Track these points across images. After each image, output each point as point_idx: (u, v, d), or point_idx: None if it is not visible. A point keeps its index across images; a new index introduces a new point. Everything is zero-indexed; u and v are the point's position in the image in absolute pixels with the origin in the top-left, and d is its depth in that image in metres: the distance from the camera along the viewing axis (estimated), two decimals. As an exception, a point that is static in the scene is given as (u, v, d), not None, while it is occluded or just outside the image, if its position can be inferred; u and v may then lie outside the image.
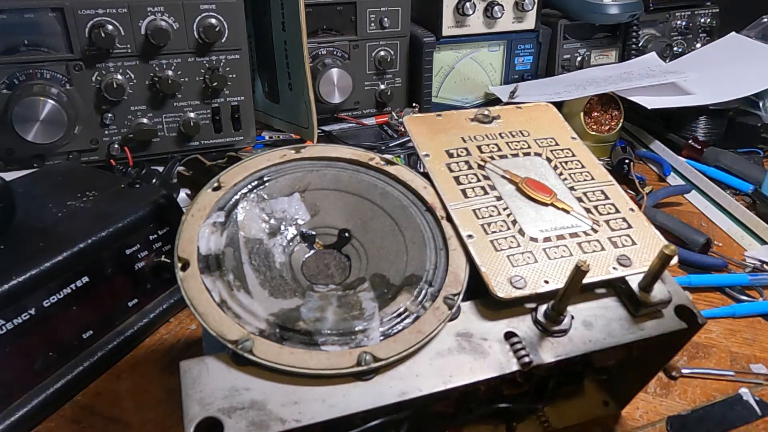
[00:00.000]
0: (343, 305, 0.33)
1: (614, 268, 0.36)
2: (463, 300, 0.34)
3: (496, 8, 0.89)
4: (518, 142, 0.44)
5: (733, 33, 0.98)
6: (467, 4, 0.88)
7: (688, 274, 0.58)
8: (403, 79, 0.92)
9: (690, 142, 0.84)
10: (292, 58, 0.77)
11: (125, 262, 0.48)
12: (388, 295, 0.34)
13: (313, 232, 0.38)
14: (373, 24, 0.86)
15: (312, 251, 0.37)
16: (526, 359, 0.32)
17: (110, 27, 0.66)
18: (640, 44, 0.99)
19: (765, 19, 0.99)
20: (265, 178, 0.38)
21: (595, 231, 0.38)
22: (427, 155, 0.42)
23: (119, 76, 0.68)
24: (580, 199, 0.40)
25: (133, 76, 0.69)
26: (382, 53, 0.88)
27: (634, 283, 0.35)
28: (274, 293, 0.33)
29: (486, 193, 0.39)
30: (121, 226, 0.46)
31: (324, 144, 0.42)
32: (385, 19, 0.86)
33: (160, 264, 0.51)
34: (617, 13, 0.92)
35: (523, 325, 0.34)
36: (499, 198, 0.39)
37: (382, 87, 0.91)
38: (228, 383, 0.29)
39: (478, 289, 0.34)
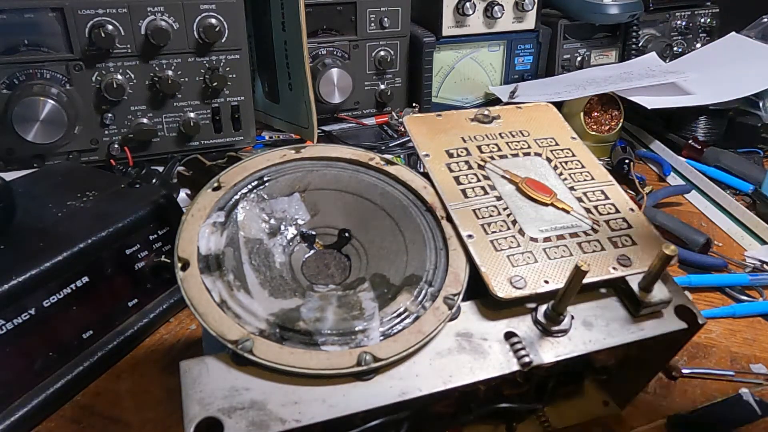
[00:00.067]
0: (343, 305, 0.33)
1: (614, 268, 0.36)
2: (463, 300, 0.34)
3: (496, 8, 0.89)
4: (518, 142, 0.44)
5: (733, 33, 0.98)
6: (467, 4, 0.88)
7: (688, 274, 0.58)
8: (403, 79, 0.92)
9: (690, 142, 0.84)
10: (292, 58, 0.78)
11: (125, 262, 0.48)
12: (388, 295, 0.34)
13: (313, 232, 0.38)
14: (373, 24, 0.86)
15: (312, 251, 0.37)
16: (526, 359, 0.32)
17: (110, 27, 0.66)
18: (640, 44, 0.99)
19: (765, 19, 0.99)
20: (265, 178, 0.38)
21: (595, 231, 0.38)
22: (427, 155, 0.42)
23: (119, 76, 0.68)
24: (580, 199, 0.40)
25: (133, 76, 0.69)
26: (382, 53, 0.88)
27: (634, 283, 0.35)
28: (274, 293, 0.33)
29: (486, 193, 0.39)
30: (121, 226, 0.46)
31: (324, 144, 0.42)
32: (385, 19, 0.86)
33: (160, 264, 0.51)
34: (617, 13, 0.92)
35: (523, 325, 0.34)
36: (499, 198, 0.39)
37: (382, 87, 0.91)
38: (228, 383, 0.29)
39: (478, 289, 0.34)
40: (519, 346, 0.33)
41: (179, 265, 0.32)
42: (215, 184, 0.36)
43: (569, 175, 0.42)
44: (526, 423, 0.42)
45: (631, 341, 0.34)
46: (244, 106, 0.76)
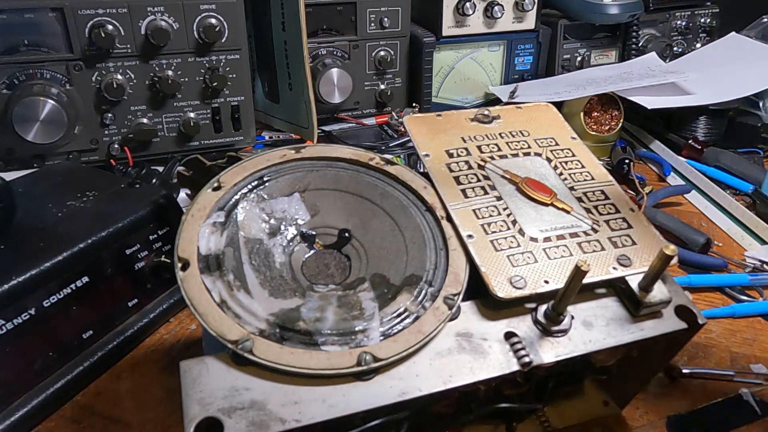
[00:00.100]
0: (343, 305, 0.33)
1: (614, 268, 0.36)
2: (463, 300, 0.34)
3: (496, 8, 0.89)
4: (518, 142, 0.44)
5: (733, 33, 0.98)
6: (467, 4, 0.88)
7: (688, 274, 0.58)
8: (403, 79, 0.92)
9: (690, 142, 0.84)
10: (292, 58, 0.78)
11: (125, 262, 0.48)
12: (388, 295, 0.34)
13: (313, 232, 0.38)
14: (373, 24, 0.86)
15: (312, 251, 0.37)
16: (526, 359, 0.32)
17: (110, 27, 0.66)
18: (640, 44, 0.99)
19: (765, 19, 0.99)
20: (265, 178, 0.38)
21: (595, 231, 0.38)
22: (427, 155, 0.42)
23: (119, 76, 0.68)
24: (580, 199, 0.40)
25: (133, 76, 0.69)
26: (382, 53, 0.88)
27: (634, 283, 0.35)
28: (274, 293, 0.33)
29: (486, 193, 0.39)
30: (121, 226, 0.46)
31: (324, 144, 0.42)
32: (385, 19, 0.86)
33: (160, 264, 0.51)
34: (617, 13, 0.92)
35: (523, 325, 0.34)
36: (499, 198, 0.39)
37: (382, 87, 0.91)
38: (228, 383, 0.29)
39: (478, 289, 0.34)
40: (519, 346, 0.33)
41: (179, 265, 0.32)
42: (215, 184, 0.36)
43: (569, 175, 0.42)
44: (526, 423, 0.42)
45: (631, 341, 0.34)
46: (244, 106, 0.76)
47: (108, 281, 0.46)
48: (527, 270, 0.35)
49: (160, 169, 0.73)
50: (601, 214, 0.40)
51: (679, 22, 1.02)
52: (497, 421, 0.42)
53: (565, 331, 0.34)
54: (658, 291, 0.35)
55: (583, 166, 0.43)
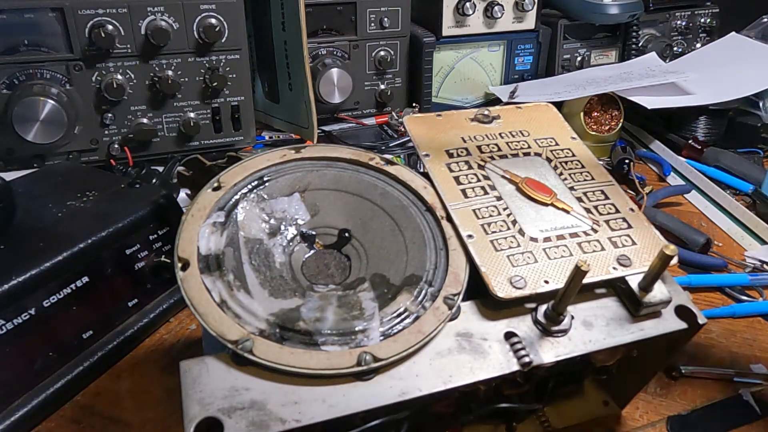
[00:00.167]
0: (343, 305, 0.33)
1: (614, 268, 0.36)
2: (463, 300, 0.34)
3: (496, 8, 0.89)
4: (518, 142, 0.44)
5: (733, 33, 0.98)
6: (467, 4, 0.88)
7: (688, 274, 0.58)
8: (403, 79, 0.92)
9: (690, 142, 0.84)
10: (292, 58, 0.78)
11: (125, 262, 0.48)
12: (388, 295, 0.34)
13: (313, 232, 0.38)
14: (373, 24, 0.86)
15: (312, 251, 0.37)
16: (526, 359, 0.32)
17: (110, 27, 0.66)
18: (640, 44, 0.99)
19: (765, 19, 0.99)
20: (265, 178, 0.38)
21: (595, 231, 0.38)
22: (427, 155, 0.42)
23: (119, 76, 0.68)
24: (580, 199, 0.40)
25: (133, 76, 0.69)
26: (382, 53, 0.88)
27: (634, 283, 0.35)
28: (274, 293, 0.33)
29: (486, 193, 0.39)
30: (121, 226, 0.46)
31: (324, 144, 0.42)
32: (385, 19, 0.86)
33: (160, 264, 0.51)
34: (617, 13, 0.92)
35: (523, 325, 0.34)
36: (499, 198, 0.39)
37: (382, 87, 0.91)
38: (228, 383, 0.29)
39: (478, 289, 0.34)
40: (519, 346, 0.33)
41: (179, 265, 0.32)
42: (215, 184, 0.36)
43: (569, 175, 0.42)
44: (526, 423, 0.42)
45: (631, 341, 0.34)
46: (244, 106, 0.76)
47: (108, 281, 0.46)
48: (527, 270, 0.35)
49: (160, 169, 0.73)
50: (601, 214, 0.40)
51: (679, 22, 1.02)
52: (497, 421, 0.42)
53: (565, 331, 0.34)
54: (658, 291, 0.35)
55: (583, 166, 0.43)
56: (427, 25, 0.92)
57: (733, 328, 0.53)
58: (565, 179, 0.42)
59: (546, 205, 0.39)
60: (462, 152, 0.42)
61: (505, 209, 0.39)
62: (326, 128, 0.88)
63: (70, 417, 0.43)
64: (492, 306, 0.34)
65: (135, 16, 0.67)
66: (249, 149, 0.79)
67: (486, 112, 0.46)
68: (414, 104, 0.93)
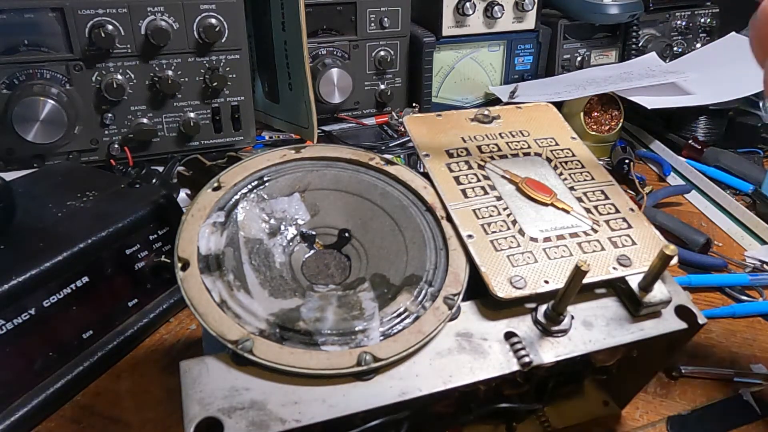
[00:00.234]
0: (343, 305, 0.33)
1: (614, 268, 0.36)
2: (463, 300, 0.34)
3: (496, 8, 0.89)
4: (518, 142, 0.44)
5: (733, 33, 0.98)
6: (467, 4, 0.88)
7: (688, 274, 0.58)
8: (403, 79, 0.92)
9: (690, 142, 0.84)
10: (292, 58, 0.78)
11: (125, 262, 0.48)
12: (388, 295, 0.34)
13: (313, 232, 0.38)
14: (373, 24, 0.86)
15: (312, 251, 0.37)
16: (526, 359, 0.32)
17: (110, 27, 0.66)
18: (640, 44, 0.99)
19: (765, 19, 0.98)
20: (265, 178, 0.38)
21: (595, 231, 0.38)
22: (427, 155, 0.42)
23: (119, 76, 0.68)
24: (580, 199, 0.40)
25: (133, 76, 0.69)
26: (382, 53, 0.88)
27: (634, 283, 0.35)
28: (274, 293, 0.33)
29: (486, 193, 0.39)
30: (121, 226, 0.46)
31: (324, 144, 0.42)
32: (385, 19, 0.86)
33: (160, 264, 0.51)
34: (617, 13, 0.92)
35: (523, 325, 0.34)
36: (499, 198, 0.39)
37: (382, 87, 0.91)
38: (228, 383, 0.29)
39: (478, 289, 0.34)
40: (519, 346, 0.33)
41: (179, 265, 0.32)
42: (215, 184, 0.36)
43: (569, 175, 0.42)
44: (526, 423, 0.42)
45: (631, 341, 0.34)
46: (244, 106, 0.76)
47: (108, 281, 0.46)
48: (527, 270, 0.35)
49: (160, 169, 0.73)
50: (601, 214, 0.40)
51: (679, 22, 1.02)
52: (497, 421, 0.42)
53: (565, 331, 0.34)
54: (658, 291, 0.35)
55: (583, 166, 0.43)
56: (427, 25, 0.92)
57: (733, 328, 0.53)
58: (565, 179, 0.42)
59: (546, 205, 0.39)
60: (462, 152, 0.42)
61: (505, 209, 0.39)
62: (326, 128, 0.88)
63: (70, 417, 0.43)
64: (492, 306, 0.34)
65: (135, 16, 0.67)
66: (249, 149, 0.79)
67: (486, 112, 0.46)
68: (414, 104, 0.93)
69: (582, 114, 0.82)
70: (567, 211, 0.39)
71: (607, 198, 0.41)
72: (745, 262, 0.61)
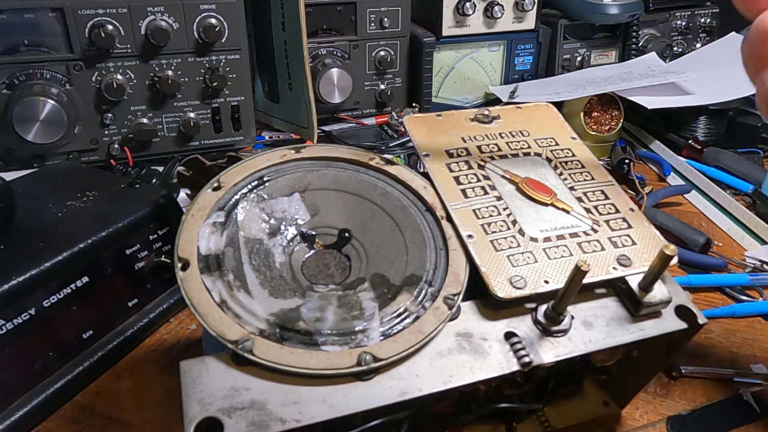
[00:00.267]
0: (343, 305, 0.33)
1: (614, 268, 0.36)
2: (463, 300, 0.34)
3: (496, 8, 0.89)
4: (518, 142, 0.44)
5: (733, 33, 0.97)
6: (467, 4, 0.88)
7: (688, 274, 0.58)
8: (403, 79, 0.92)
9: (690, 142, 0.84)
10: (292, 58, 0.78)
11: (125, 262, 0.48)
12: (388, 295, 0.34)
13: (313, 232, 0.38)
14: (373, 24, 0.86)
15: (312, 251, 0.37)
16: (526, 359, 0.32)
17: (110, 27, 0.66)
18: (640, 44, 0.99)
19: (765, 19, 0.98)
20: (265, 178, 0.38)
21: (595, 231, 0.38)
22: (427, 155, 0.42)
23: (119, 76, 0.68)
24: (580, 199, 0.40)
25: (133, 76, 0.69)
26: (382, 53, 0.88)
27: (634, 283, 0.35)
28: (274, 293, 0.33)
29: (486, 193, 0.39)
30: (121, 226, 0.46)
31: (324, 144, 0.42)
32: (385, 19, 0.86)
33: (160, 264, 0.51)
34: (617, 13, 0.92)
35: (523, 325, 0.34)
36: (499, 198, 0.39)
37: (382, 87, 0.91)
38: (228, 383, 0.29)
39: (478, 289, 0.34)
40: (519, 346, 0.33)
41: (179, 265, 0.32)
42: (215, 184, 0.36)
43: (569, 175, 0.42)
44: (526, 423, 0.42)
45: (631, 341, 0.34)
46: (244, 106, 0.76)
47: (108, 281, 0.46)
48: (527, 270, 0.35)
49: (160, 169, 0.73)
50: (601, 214, 0.40)
51: (679, 22, 1.02)
52: (497, 421, 0.42)
53: (565, 331, 0.34)
54: (658, 291, 0.35)
55: (583, 166, 0.43)
56: (427, 25, 0.92)
57: (733, 328, 0.53)
58: (565, 179, 0.42)
59: (546, 205, 0.39)
60: (462, 152, 0.42)
61: (505, 209, 0.39)
62: (326, 128, 0.88)
63: (70, 417, 0.43)
64: (492, 306, 0.34)
65: (135, 16, 0.67)
66: (249, 149, 0.79)
67: (486, 112, 0.46)
68: (414, 104, 0.93)
69: (582, 114, 0.82)
70: (567, 211, 0.39)
71: (607, 198, 0.41)
72: (745, 262, 0.61)
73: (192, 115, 0.73)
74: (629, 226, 0.39)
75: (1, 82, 0.64)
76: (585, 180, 0.42)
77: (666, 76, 0.85)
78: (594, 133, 0.82)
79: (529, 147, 0.44)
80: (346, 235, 0.38)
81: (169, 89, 0.70)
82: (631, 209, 0.40)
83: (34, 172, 0.57)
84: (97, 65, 0.67)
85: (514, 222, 0.38)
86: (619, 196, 0.41)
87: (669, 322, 0.35)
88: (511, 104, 0.49)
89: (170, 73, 0.70)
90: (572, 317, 0.34)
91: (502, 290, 0.34)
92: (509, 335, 0.33)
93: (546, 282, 0.35)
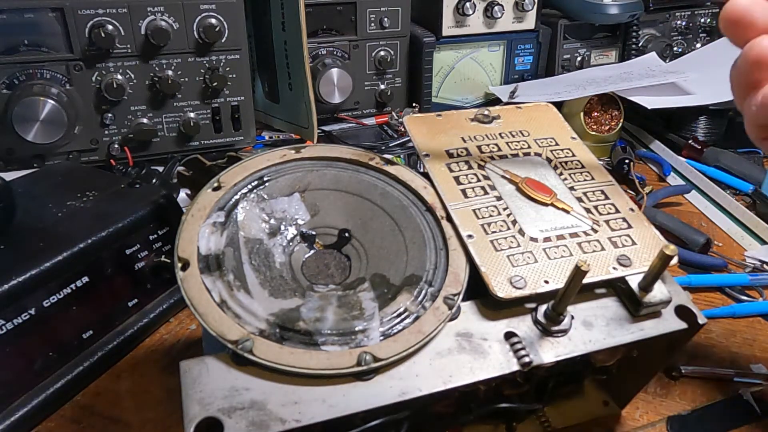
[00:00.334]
0: (343, 305, 0.33)
1: (614, 268, 0.36)
2: (463, 300, 0.34)
3: (496, 8, 0.89)
4: (518, 142, 0.44)
5: (733, 33, 0.97)
6: (467, 4, 0.88)
7: (688, 274, 0.58)
8: (403, 79, 0.92)
9: (690, 142, 0.84)
10: (292, 58, 0.78)
11: (125, 262, 0.48)
12: (388, 295, 0.34)
13: (313, 232, 0.38)
14: (373, 24, 0.86)
15: (312, 251, 0.37)
16: (526, 359, 0.32)
17: (110, 27, 0.66)
18: (640, 44, 0.99)
19: (765, 19, 0.98)
20: (265, 178, 0.38)
21: (595, 231, 0.38)
22: (427, 155, 0.42)
23: (119, 76, 0.68)
24: (580, 199, 0.40)
25: (133, 76, 0.69)
26: (382, 53, 0.88)
27: (634, 283, 0.35)
28: (274, 293, 0.33)
29: (486, 193, 0.39)
30: (121, 226, 0.46)
31: (324, 144, 0.42)
32: (385, 19, 0.86)
33: (160, 264, 0.51)
34: (617, 13, 0.92)
35: (523, 325, 0.34)
36: (499, 198, 0.39)
37: (382, 87, 0.91)
38: (228, 383, 0.29)
39: (478, 289, 0.34)
40: (519, 346, 0.33)
41: (179, 265, 0.32)
42: (215, 184, 0.37)
43: (569, 175, 0.42)
44: (526, 423, 0.42)
45: (631, 341, 0.34)
46: (244, 106, 0.76)
47: (108, 281, 0.46)
48: (527, 270, 0.35)
49: (160, 169, 0.73)
50: (601, 214, 0.40)
51: (679, 22, 1.02)
52: (497, 421, 0.42)
53: (565, 331, 0.34)
54: (658, 291, 0.35)
55: (583, 166, 0.43)
56: (427, 25, 0.92)
57: (733, 328, 0.53)
58: (565, 179, 0.42)
59: (546, 205, 0.39)
60: (462, 152, 0.42)
61: (505, 209, 0.39)
62: (326, 128, 0.88)
63: (70, 417, 0.43)
64: (492, 306, 0.34)
65: (135, 16, 0.67)
66: (249, 149, 0.79)
67: (486, 112, 0.46)
68: (414, 104, 0.93)
69: (582, 114, 0.82)
70: (567, 211, 0.39)
71: (607, 198, 0.41)
72: (745, 262, 0.61)
73: (192, 115, 0.73)
74: (629, 226, 0.39)
75: (1, 82, 0.64)
76: (585, 180, 0.42)
77: (666, 76, 0.85)
78: (594, 133, 0.82)
79: (529, 147, 0.44)
80: (346, 235, 0.38)
81: (169, 89, 0.70)
82: (631, 209, 0.40)
83: (34, 172, 0.57)
84: (97, 65, 0.67)
85: (514, 222, 0.38)
86: (619, 196, 0.41)
87: (669, 322, 0.35)
88: (511, 104, 0.49)
89: (170, 73, 0.70)
90: (572, 317, 0.34)
91: (502, 290, 0.34)
92: (509, 335, 0.33)
93: (546, 282, 0.35)
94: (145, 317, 0.50)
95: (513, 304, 0.34)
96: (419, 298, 0.33)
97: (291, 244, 0.37)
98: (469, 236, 0.36)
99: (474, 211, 0.38)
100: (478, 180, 0.40)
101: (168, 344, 0.50)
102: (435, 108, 0.93)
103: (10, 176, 0.49)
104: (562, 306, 0.33)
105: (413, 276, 0.34)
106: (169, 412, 0.43)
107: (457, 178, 0.40)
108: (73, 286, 0.43)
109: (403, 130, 0.84)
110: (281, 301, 0.33)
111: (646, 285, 0.35)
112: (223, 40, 0.71)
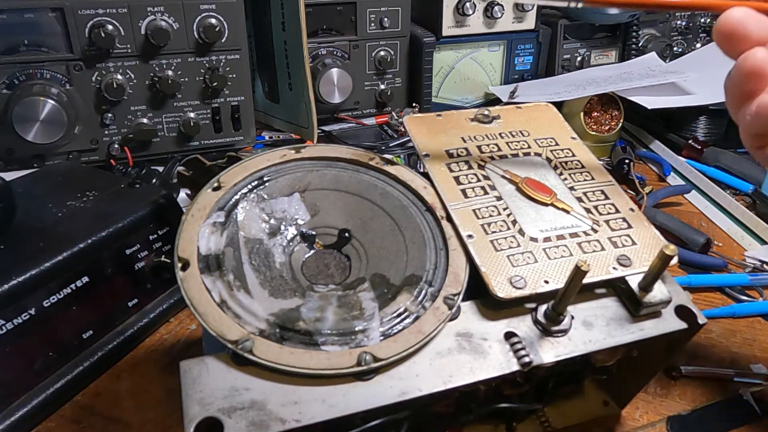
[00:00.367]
0: (343, 305, 0.33)
1: (614, 268, 0.36)
2: (463, 300, 0.34)
3: (496, 8, 0.89)
4: (518, 142, 0.44)
5: (733, 33, 0.97)
6: (467, 4, 0.88)
7: (688, 274, 0.58)
8: (403, 79, 0.92)
9: (690, 142, 0.84)
10: (292, 58, 0.78)
11: (125, 262, 0.48)
12: (388, 295, 0.34)
13: (313, 232, 0.38)
14: (373, 24, 0.86)
15: (312, 251, 0.37)
16: (526, 359, 0.32)
17: (110, 27, 0.66)
18: (640, 44, 0.99)
19: (765, 19, 0.98)
20: (265, 178, 0.38)
21: (595, 231, 0.38)
22: (427, 155, 0.42)
23: (119, 76, 0.68)
24: (580, 199, 0.40)
25: (133, 76, 0.69)
26: (382, 53, 0.88)
27: (634, 283, 0.35)
28: (274, 293, 0.33)
29: (486, 193, 0.39)
30: (121, 226, 0.46)
31: (324, 144, 0.42)
32: (385, 19, 0.86)
33: (160, 264, 0.51)
34: (617, 13, 0.92)
35: (523, 325, 0.34)
36: (499, 198, 0.39)
37: (382, 87, 0.91)
38: (228, 383, 0.29)
39: (478, 289, 0.34)
40: (519, 346, 0.33)
41: (179, 265, 0.32)
42: (215, 184, 0.37)
43: (569, 175, 0.42)
44: (526, 423, 0.42)
45: (631, 341, 0.34)
46: (244, 106, 0.76)
47: (108, 281, 0.46)
48: (527, 270, 0.35)
49: (160, 169, 0.73)
50: (601, 214, 0.40)
51: (679, 22, 1.02)
52: (497, 421, 0.42)
53: (565, 331, 0.34)
54: (658, 291, 0.35)
55: (583, 166, 0.43)
56: (427, 25, 0.92)
57: (733, 328, 0.53)
58: (565, 179, 0.42)
59: (546, 205, 0.39)
60: (462, 152, 0.42)
61: (505, 209, 0.39)
62: (326, 128, 0.88)
63: (70, 417, 0.43)
64: (492, 306, 0.34)
65: (135, 16, 0.67)
66: (249, 149, 0.79)
67: (486, 112, 0.46)
68: (414, 104, 0.93)
69: (582, 114, 0.82)
70: (567, 211, 0.39)
71: (607, 198, 0.41)
72: (745, 262, 0.61)
73: (192, 115, 0.73)
74: (629, 226, 0.39)
75: (1, 82, 0.64)
76: (585, 180, 0.42)
77: (666, 76, 0.85)
78: (594, 133, 0.82)
79: (529, 147, 0.44)
80: (346, 235, 0.38)
81: (169, 89, 0.70)
82: (631, 209, 0.40)
83: (34, 172, 0.57)
84: (97, 65, 0.67)
85: (514, 222, 0.38)
86: (619, 196, 0.41)
87: (669, 322, 0.35)
88: (511, 104, 0.49)
89: (170, 73, 0.70)
90: (572, 317, 0.34)
91: (502, 290, 0.34)
92: (509, 335, 0.33)
93: (546, 282, 0.35)
94: (145, 317, 0.50)
95: (513, 304, 0.34)
96: (419, 298, 0.33)
97: (291, 244, 0.37)
98: (469, 236, 0.36)
99: (474, 211, 0.38)
100: (478, 180, 0.40)
101: (168, 344, 0.50)
102: (435, 108, 0.93)
103: (10, 176, 0.49)
104: (562, 306, 0.33)
105: (413, 276, 0.34)
106: (169, 412, 0.43)
107: (457, 178, 0.40)
108: (73, 286, 0.43)
109: (403, 130, 0.84)
110: (281, 301, 0.33)
111: (646, 285, 0.35)
112: (223, 40, 0.71)
